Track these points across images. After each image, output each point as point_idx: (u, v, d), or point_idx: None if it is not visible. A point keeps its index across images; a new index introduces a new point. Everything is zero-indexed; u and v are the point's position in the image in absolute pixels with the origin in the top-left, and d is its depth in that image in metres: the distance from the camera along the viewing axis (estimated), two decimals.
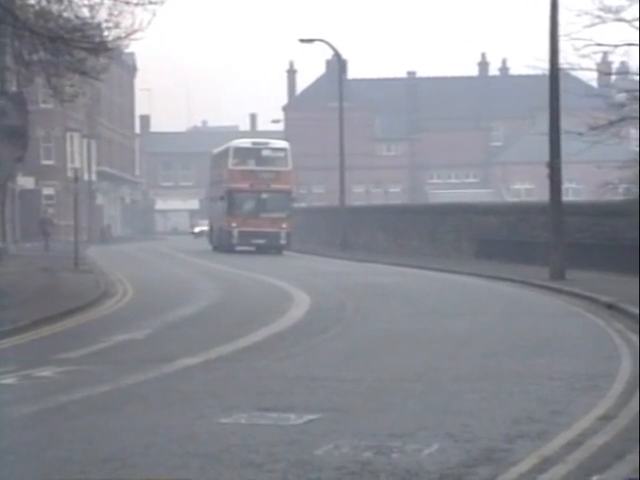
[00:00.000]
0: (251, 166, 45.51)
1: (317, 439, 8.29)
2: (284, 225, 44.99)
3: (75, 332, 16.27)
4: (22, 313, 17.44)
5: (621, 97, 28.77)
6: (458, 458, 7.72)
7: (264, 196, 44.85)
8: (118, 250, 51.54)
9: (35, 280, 25.50)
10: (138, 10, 21.21)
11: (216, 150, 52.34)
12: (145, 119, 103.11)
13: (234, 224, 44.48)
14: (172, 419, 9.20)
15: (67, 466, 7.55)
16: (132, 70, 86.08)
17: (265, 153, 46.17)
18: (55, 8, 21.83)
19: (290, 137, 71.25)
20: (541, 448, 8.00)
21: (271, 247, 44.76)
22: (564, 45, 25.13)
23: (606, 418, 9.13)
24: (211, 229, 51.56)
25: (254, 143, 47.66)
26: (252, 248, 44.96)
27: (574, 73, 31.51)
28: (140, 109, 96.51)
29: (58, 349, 13.79)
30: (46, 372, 11.78)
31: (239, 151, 46.32)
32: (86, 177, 64.76)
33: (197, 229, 76.34)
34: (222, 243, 46.19)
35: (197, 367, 12.26)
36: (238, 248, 44.86)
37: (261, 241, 44.64)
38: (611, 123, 26.06)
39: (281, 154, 46.27)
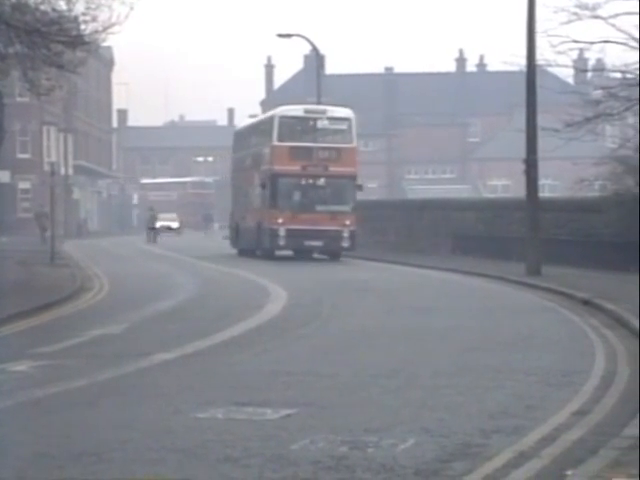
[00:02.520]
0: (304, 142, 34.22)
1: (293, 434, 8.31)
2: (347, 222, 33.62)
3: (51, 326, 16.22)
4: None
5: (597, 94, 28.85)
6: (434, 453, 7.76)
7: (321, 182, 33.81)
8: (95, 244, 51.37)
9: (11, 274, 25.39)
10: (116, 4, 21.16)
11: (245, 124, 41.84)
12: (122, 113, 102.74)
13: (280, 220, 33.28)
14: (148, 414, 9.19)
15: (43, 461, 7.53)
16: (109, 64, 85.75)
17: (322, 124, 34.75)
18: (32, 1, 21.74)
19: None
20: (516, 443, 8.04)
21: (330, 251, 34.51)
22: (541, 42, 25.19)
23: (580, 413, 9.19)
24: (235, 227, 39.08)
25: (307, 111, 35.42)
26: (299, 252, 34.41)
27: (551, 70, 31.64)
28: (117, 103, 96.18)
29: (34, 343, 13.75)
30: (21, 366, 11.75)
31: (287, 122, 34.52)
32: (63, 171, 64.50)
33: (158, 224, 66.10)
34: (260, 245, 34.88)
35: (174, 362, 12.25)
36: (282, 252, 34.56)
37: (317, 243, 33.87)
38: (587, 120, 26.14)
39: (343, 125, 34.69)
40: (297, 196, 33.80)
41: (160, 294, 21.39)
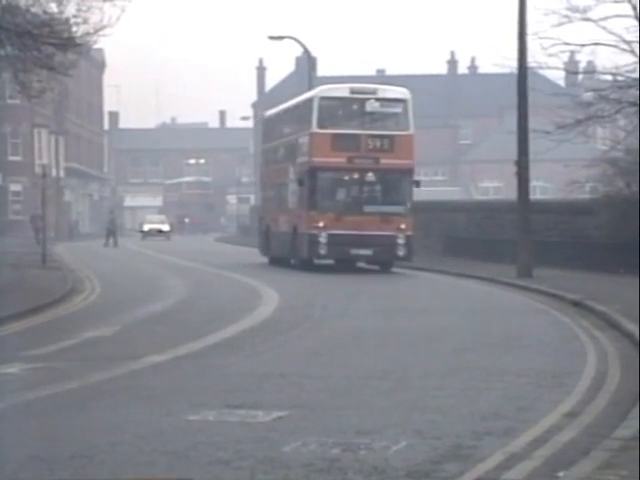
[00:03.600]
0: (350, 128, 28.57)
1: (285, 436, 8.31)
2: (402, 225, 28.11)
3: (43, 329, 16.19)
4: None
5: (588, 96, 28.95)
6: (425, 455, 7.76)
7: (371, 178, 28.49)
8: (86, 247, 51.29)
9: (2, 276, 25.35)
10: (107, 6, 21.17)
11: (277, 108, 34.33)
12: (114, 115, 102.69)
13: (320, 224, 27.89)
14: (140, 416, 9.18)
15: (33, 463, 7.52)
16: (101, 66, 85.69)
17: (372, 107, 28.61)
18: (23, 3, 21.72)
19: (259, 135, 71.06)
20: (508, 445, 8.05)
21: (381, 261, 29.23)
22: (532, 44, 25.14)
23: (572, 415, 9.21)
24: (265, 231, 33.51)
25: (354, 91, 28.90)
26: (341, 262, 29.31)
27: (542, 72, 31.70)
28: (109, 105, 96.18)
29: (25, 346, 13.72)
30: (13, 369, 11.72)
31: (329, 104, 28.65)
32: (54, 173, 64.44)
33: (147, 226, 67.72)
34: (296, 254, 29.58)
35: (165, 364, 12.24)
36: (323, 262, 29.57)
37: (365, 251, 28.43)
38: (578, 122, 26.22)
39: (397, 108, 28.69)
40: (341, 195, 28.68)
41: (151, 297, 21.38)
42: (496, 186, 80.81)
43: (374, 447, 7.96)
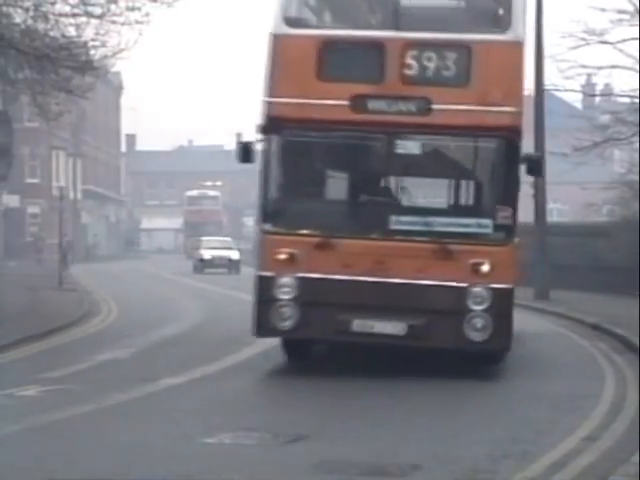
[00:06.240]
0: (359, 27, 13.35)
1: (301, 460, 8.25)
2: (485, 267, 12.26)
3: (59, 351, 16.19)
4: (5, 332, 17.34)
5: (605, 119, 28.90)
6: (444, 478, 7.70)
7: (410, 150, 12.53)
8: (103, 269, 51.40)
9: (19, 298, 25.39)
10: (124, 29, 21.24)
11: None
12: (131, 138, 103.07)
13: (282, 255, 12.46)
14: (155, 439, 9.15)
15: None
16: (118, 89, 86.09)
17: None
18: (41, 27, 21.83)
19: None
20: (526, 469, 7.99)
21: (432, 347, 12.70)
22: (549, 66, 25.22)
23: (590, 439, 9.13)
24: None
25: None
26: None
27: (559, 94, 31.68)
28: (126, 128, 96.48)
29: (42, 368, 13.72)
30: (29, 391, 11.72)
31: None
32: (71, 195, 64.66)
33: (207, 253, 47.26)
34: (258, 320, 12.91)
35: (181, 387, 12.21)
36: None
37: (393, 327, 12.31)
38: (595, 144, 26.17)
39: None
40: (336, 190, 13.43)
41: (167, 319, 21.37)
42: None
43: (392, 471, 7.90)
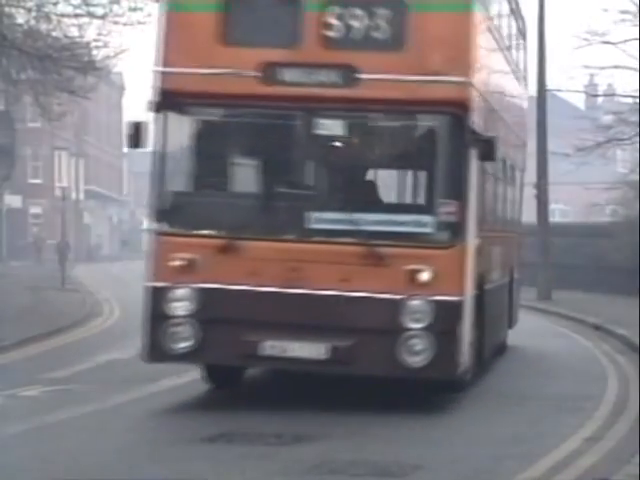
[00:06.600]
0: None
1: (307, 464, 8.25)
2: (426, 275, 9.82)
3: (61, 351, 16.21)
4: (8, 332, 17.35)
5: (608, 119, 28.92)
6: (445, 479, 7.70)
7: (333, 130, 10.30)
8: (105, 269, 51.41)
9: (21, 299, 25.41)
10: (127, 30, 21.30)
11: None
12: None
13: (177, 262, 10.18)
14: (156, 439, 9.15)
15: None
16: (120, 89, 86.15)
17: None
18: (44, 27, 21.87)
19: None
20: (527, 469, 7.98)
21: (364, 373, 10.35)
22: (551, 67, 25.20)
23: (593, 439, 9.13)
24: None
25: None
26: None
27: (561, 95, 31.69)
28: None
29: (44, 368, 13.73)
30: (32, 392, 11.73)
31: None
32: (74, 196, 64.69)
33: None
34: (150, 339, 10.47)
35: (183, 387, 12.20)
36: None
37: (312, 349, 9.99)
38: (598, 145, 26.18)
39: None
40: (243, 180, 11.02)
41: None
42: None
43: (393, 471, 7.90)
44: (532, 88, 26.04)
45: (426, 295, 9.70)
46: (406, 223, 10.06)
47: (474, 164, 10.26)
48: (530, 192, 26.13)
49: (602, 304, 23.29)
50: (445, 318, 9.73)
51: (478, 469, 7.98)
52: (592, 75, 30.29)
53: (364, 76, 9.92)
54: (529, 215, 36.31)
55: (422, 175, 11.08)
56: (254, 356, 10.01)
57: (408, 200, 11.60)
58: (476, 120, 10.23)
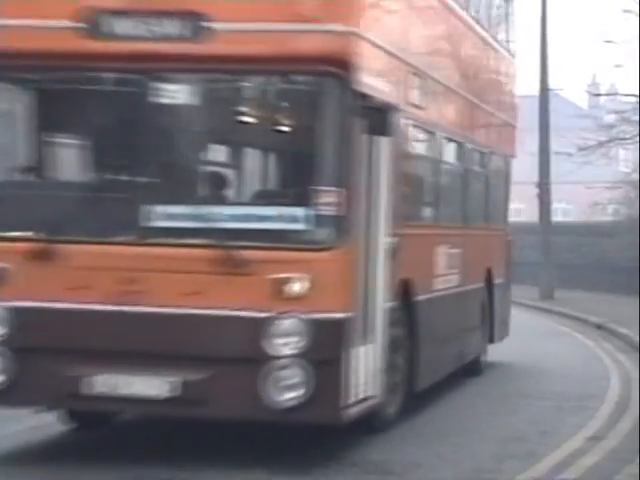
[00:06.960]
0: None
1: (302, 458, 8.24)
2: (296, 286, 7.39)
3: None
4: None
5: (610, 118, 28.90)
6: (446, 478, 7.69)
7: (184, 98, 7.94)
8: None
9: None
10: None
11: None
12: None
13: None
14: (157, 439, 9.15)
15: None
16: None
17: None
18: None
19: None
20: (530, 468, 7.97)
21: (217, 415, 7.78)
22: (554, 66, 25.21)
23: (595, 439, 9.11)
24: None
25: None
26: None
27: (564, 94, 31.68)
28: None
29: None
30: None
31: None
32: None
33: None
34: None
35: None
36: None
37: (151, 388, 7.58)
38: (600, 144, 26.16)
39: None
40: (65, 164, 8.31)
41: None
42: (517, 208, 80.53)
43: (396, 471, 7.88)
44: (535, 87, 26.08)
45: (299, 312, 7.26)
46: (272, 218, 7.48)
47: (370, 140, 7.91)
48: (532, 191, 26.14)
49: (604, 303, 23.28)
50: (325, 341, 7.25)
51: (480, 468, 7.96)
52: (595, 74, 30.27)
53: (217, 26, 7.48)
54: (531, 214, 36.34)
55: (294, 155, 8.07)
56: (77, 395, 7.53)
57: (275, 188, 8.47)
58: (370, 82, 7.70)
